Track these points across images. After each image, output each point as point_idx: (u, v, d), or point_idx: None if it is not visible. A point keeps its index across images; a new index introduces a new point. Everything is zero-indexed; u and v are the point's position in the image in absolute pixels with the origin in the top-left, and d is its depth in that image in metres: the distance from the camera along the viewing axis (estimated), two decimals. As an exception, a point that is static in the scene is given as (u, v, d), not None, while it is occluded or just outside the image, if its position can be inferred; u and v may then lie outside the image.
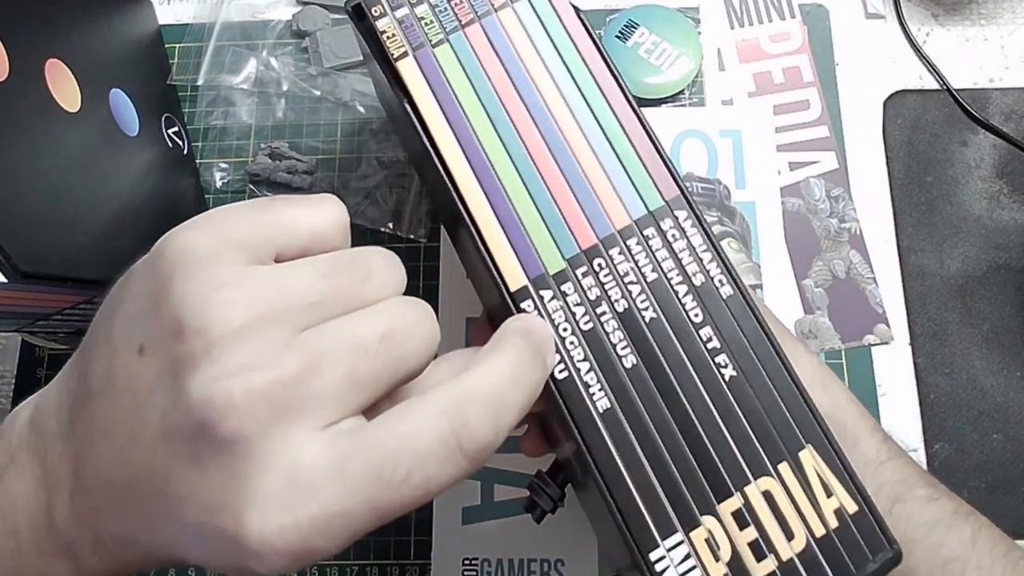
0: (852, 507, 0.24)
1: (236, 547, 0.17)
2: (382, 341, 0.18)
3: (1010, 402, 0.46)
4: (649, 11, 0.52)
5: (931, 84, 0.52)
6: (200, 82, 0.52)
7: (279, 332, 0.17)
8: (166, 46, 0.53)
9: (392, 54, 0.27)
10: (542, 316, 0.25)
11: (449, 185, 0.26)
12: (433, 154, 0.27)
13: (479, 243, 0.26)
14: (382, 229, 0.49)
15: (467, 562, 0.43)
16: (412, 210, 0.49)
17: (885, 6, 0.53)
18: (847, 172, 0.50)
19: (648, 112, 0.51)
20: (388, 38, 0.27)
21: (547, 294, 0.25)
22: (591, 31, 0.28)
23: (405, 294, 0.21)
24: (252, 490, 0.16)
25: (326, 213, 0.20)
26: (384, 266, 0.20)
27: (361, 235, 0.49)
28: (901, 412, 0.46)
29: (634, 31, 0.52)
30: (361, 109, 0.52)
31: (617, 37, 0.52)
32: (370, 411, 0.19)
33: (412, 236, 0.49)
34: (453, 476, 0.18)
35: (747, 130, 0.50)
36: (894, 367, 0.47)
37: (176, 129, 0.50)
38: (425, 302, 0.21)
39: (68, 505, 0.19)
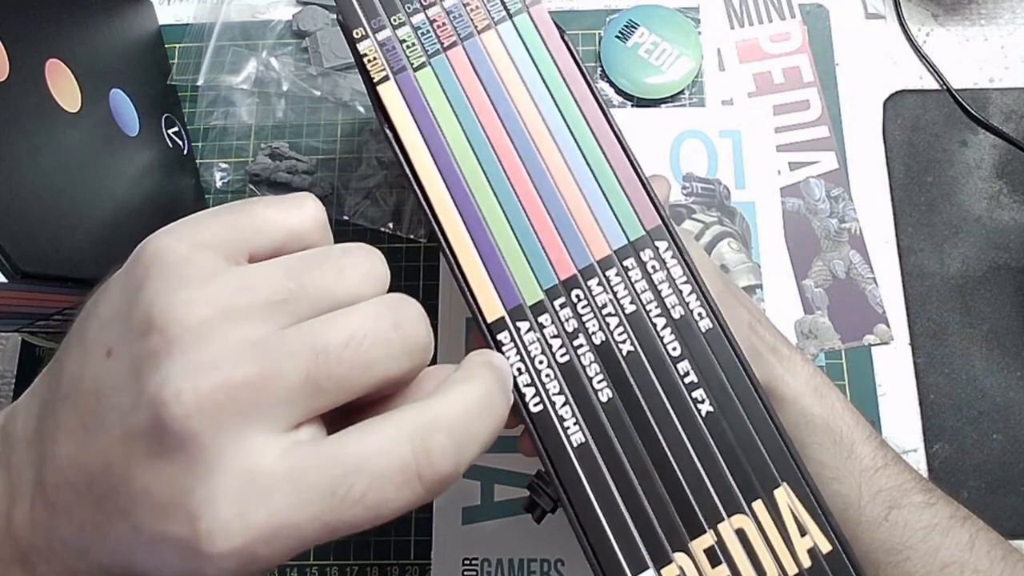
0: (826, 547, 0.24)
1: (185, 549, 0.16)
2: (347, 346, 0.18)
3: (1010, 402, 0.46)
4: (649, 11, 0.52)
5: (931, 84, 0.52)
6: (200, 82, 0.52)
7: (242, 331, 0.17)
8: (166, 46, 0.53)
9: (373, 78, 0.27)
10: (518, 348, 0.25)
11: (428, 212, 0.26)
12: (412, 180, 0.26)
13: (457, 272, 0.25)
14: (382, 229, 0.49)
15: (467, 562, 0.43)
16: (412, 210, 0.49)
17: (885, 6, 0.53)
18: (847, 172, 0.50)
19: (648, 112, 0.51)
20: (369, 61, 0.27)
21: (524, 325, 0.25)
22: (575, 54, 0.27)
23: (406, 295, 0.20)
24: (204, 491, 0.16)
25: (301, 211, 0.20)
26: (361, 263, 0.19)
27: (361, 235, 0.49)
28: (901, 412, 0.46)
29: (634, 31, 0.52)
30: (361, 109, 0.51)
31: (617, 37, 0.52)
32: (339, 420, 0.19)
33: (412, 236, 0.49)
34: (408, 502, 0.18)
35: (747, 130, 0.50)
36: (894, 367, 0.47)
37: (176, 129, 0.50)
38: (416, 303, 0.20)
39: (28, 511, 0.19)
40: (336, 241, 0.21)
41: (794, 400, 0.34)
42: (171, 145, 0.49)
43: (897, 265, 0.48)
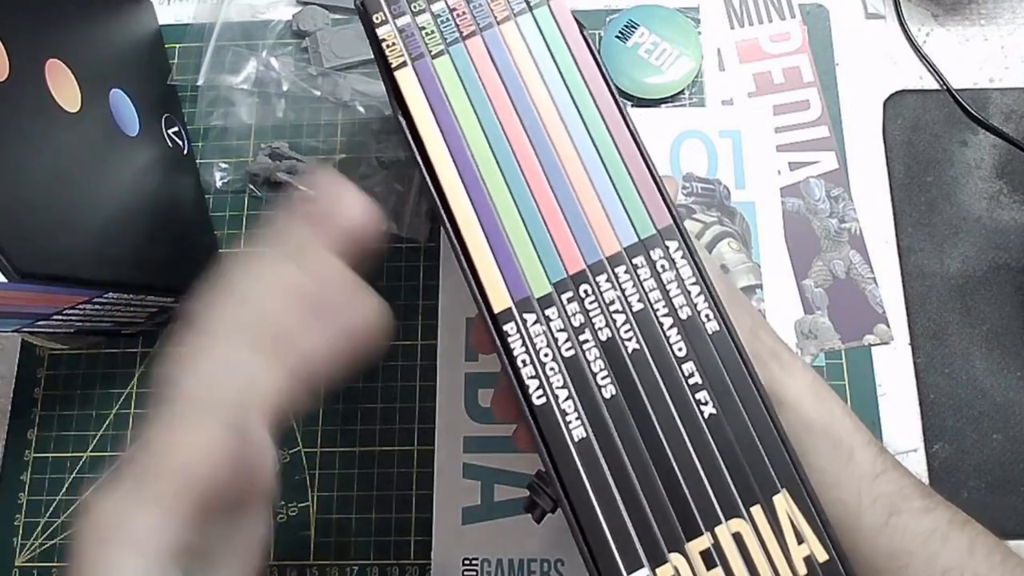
0: (823, 556, 0.24)
1: None
2: None
3: (1010, 402, 0.46)
4: (649, 11, 0.52)
5: (931, 84, 0.52)
6: (200, 82, 0.52)
7: None
8: (166, 46, 0.53)
9: (391, 63, 0.27)
10: (524, 340, 0.25)
11: (438, 200, 0.26)
12: (424, 167, 0.26)
13: (464, 261, 0.25)
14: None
15: (467, 562, 0.43)
16: (412, 210, 0.49)
17: (885, 6, 0.53)
18: (847, 172, 0.50)
19: (648, 112, 0.51)
20: (388, 47, 0.27)
21: (530, 318, 0.25)
22: (593, 49, 0.27)
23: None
24: None
25: None
26: None
27: (361, 235, 0.49)
28: (901, 412, 0.46)
29: (634, 31, 0.52)
30: (361, 109, 0.51)
31: (617, 37, 0.52)
32: None
33: (412, 236, 0.49)
34: None
35: (747, 130, 0.50)
36: (894, 367, 0.47)
37: (176, 129, 0.50)
38: None
39: None
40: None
41: (793, 405, 0.34)
42: (171, 145, 0.49)
43: (897, 265, 0.48)
